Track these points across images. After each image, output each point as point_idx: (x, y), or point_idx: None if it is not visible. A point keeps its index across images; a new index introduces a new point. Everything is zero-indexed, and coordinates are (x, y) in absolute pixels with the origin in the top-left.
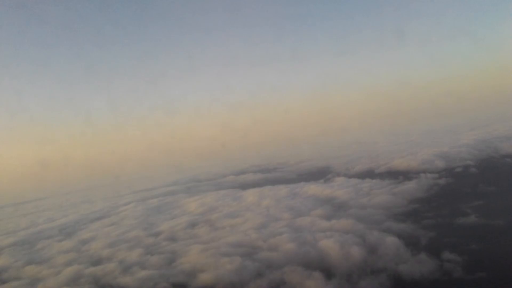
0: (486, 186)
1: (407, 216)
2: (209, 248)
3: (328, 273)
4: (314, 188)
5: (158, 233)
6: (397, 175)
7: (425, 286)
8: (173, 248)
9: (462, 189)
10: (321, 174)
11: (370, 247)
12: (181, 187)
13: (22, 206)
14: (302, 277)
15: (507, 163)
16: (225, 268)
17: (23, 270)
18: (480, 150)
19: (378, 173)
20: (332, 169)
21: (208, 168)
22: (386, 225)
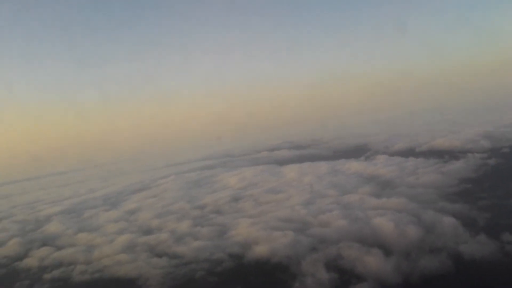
0: None
1: (459, 196)
2: (259, 222)
3: (385, 250)
4: (356, 166)
5: (203, 206)
6: (441, 154)
7: (487, 267)
8: (221, 220)
9: None
10: (358, 151)
11: (426, 227)
12: (216, 162)
13: (58, 177)
14: (360, 253)
15: None
16: (279, 241)
17: (76, 238)
18: None
19: (420, 151)
20: (370, 146)
21: (239, 144)
22: (440, 205)
